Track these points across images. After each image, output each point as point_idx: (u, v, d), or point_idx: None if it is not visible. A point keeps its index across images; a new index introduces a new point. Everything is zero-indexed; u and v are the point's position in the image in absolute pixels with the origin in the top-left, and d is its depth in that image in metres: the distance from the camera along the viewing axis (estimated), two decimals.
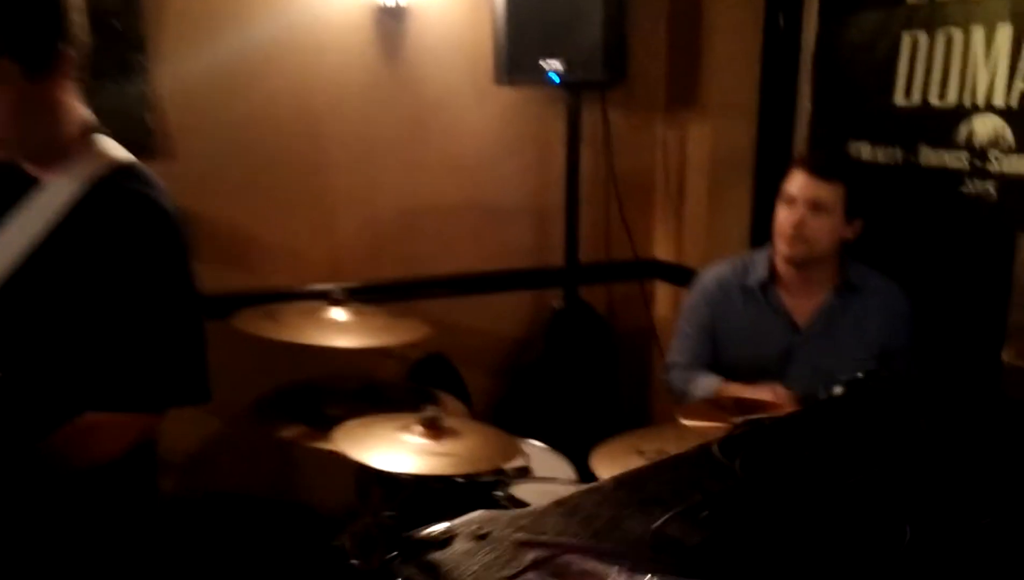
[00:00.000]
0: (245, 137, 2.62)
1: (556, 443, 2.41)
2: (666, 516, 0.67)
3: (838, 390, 0.87)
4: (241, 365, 2.55)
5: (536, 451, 2.37)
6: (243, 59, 2.57)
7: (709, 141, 3.00)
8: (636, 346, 3.29)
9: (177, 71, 2.50)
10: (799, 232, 2.06)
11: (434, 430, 1.65)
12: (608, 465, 1.49)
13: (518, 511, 0.85)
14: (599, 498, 0.74)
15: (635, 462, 1.47)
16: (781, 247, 2.13)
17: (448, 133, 2.89)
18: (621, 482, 0.75)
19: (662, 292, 3.31)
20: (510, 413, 3.06)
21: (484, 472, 1.60)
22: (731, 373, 2.25)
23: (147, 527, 1.74)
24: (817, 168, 2.06)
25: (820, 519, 0.66)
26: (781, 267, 2.17)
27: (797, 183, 2.08)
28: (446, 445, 1.62)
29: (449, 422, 1.72)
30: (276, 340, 2.25)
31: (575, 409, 3.01)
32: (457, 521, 0.79)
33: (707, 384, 2.15)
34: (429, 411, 1.67)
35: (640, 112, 3.15)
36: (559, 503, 0.79)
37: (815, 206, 2.05)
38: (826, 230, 2.07)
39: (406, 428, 1.68)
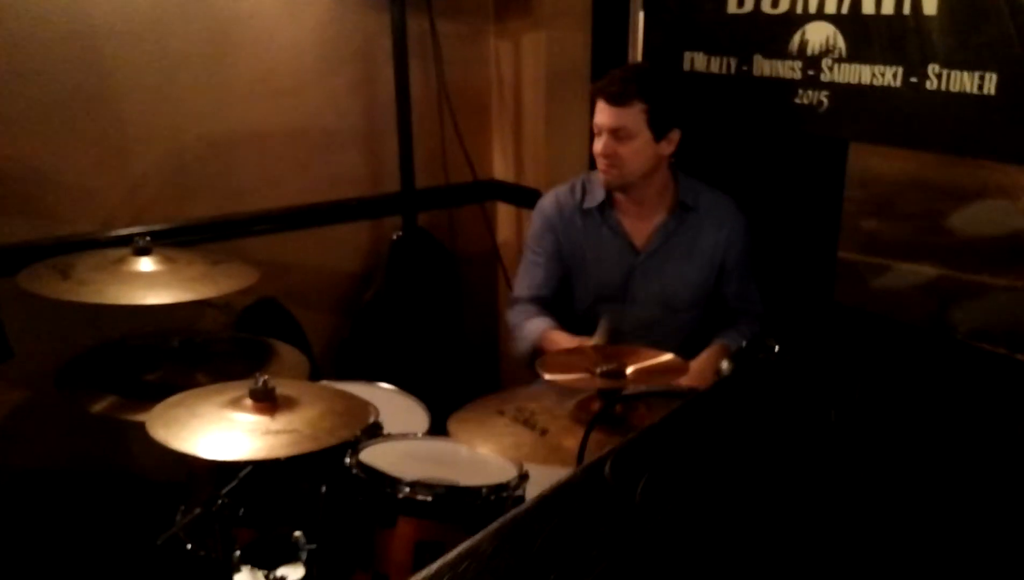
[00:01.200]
0: (10, 60, 2.19)
1: (405, 382, 2.27)
2: None
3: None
4: (37, 327, 2.23)
5: (387, 395, 2.23)
6: None
7: (543, 53, 2.85)
8: (480, 271, 3.18)
9: None
10: (610, 160, 2.05)
11: (267, 403, 1.46)
12: (469, 431, 1.37)
13: None
14: (474, 569, 0.59)
15: (497, 425, 1.37)
16: (600, 175, 2.12)
17: (259, 50, 2.56)
18: (500, 539, 0.60)
19: (504, 214, 3.19)
20: (354, 354, 2.88)
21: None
22: (576, 298, 2.20)
23: None
24: (612, 96, 2.03)
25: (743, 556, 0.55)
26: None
27: (598, 113, 2.06)
28: (282, 420, 1.43)
29: (285, 389, 1.53)
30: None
31: (421, 345, 2.88)
32: None
33: (536, 326, 2.11)
34: (259, 382, 1.47)
35: (470, 22, 2.94)
36: None
37: (617, 132, 2.03)
38: (634, 153, 2.05)
39: (235, 403, 1.47)
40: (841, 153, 2.39)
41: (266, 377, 1.49)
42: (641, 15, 2.65)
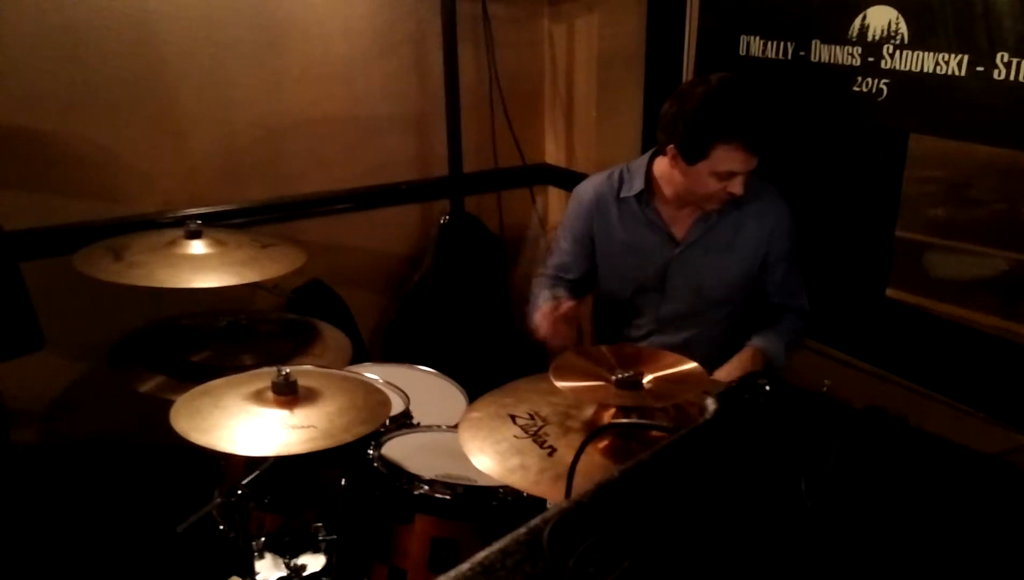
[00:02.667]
0: (71, 48, 2.27)
1: (451, 366, 2.29)
2: None
3: (711, 405, 0.74)
4: (95, 304, 2.32)
5: (426, 378, 2.25)
6: None
7: (596, 36, 2.79)
8: (528, 255, 3.16)
9: None
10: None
11: (288, 396, 1.48)
12: (478, 439, 1.36)
13: None
14: None
15: (507, 437, 1.36)
16: (711, 205, 1.99)
17: (311, 36, 2.58)
18: None
19: (555, 198, 3.16)
20: (401, 336, 2.92)
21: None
22: (613, 288, 2.16)
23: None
24: (757, 146, 1.85)
25: None
26: (663, 186, 2.04)
27: (739, 161, 1.86)
28: (301, 415, 1.46)
29: (308, 381, 1.56)
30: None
31: (467, 328, 2.89)
32: None
33: (540, 303, 2.06)
34: (281, 375, 1.50)
35: (524, 5, 2.90)
36: None
37: (751, 170, 1.91)
38: None
39: (257, 395, 1.50)
40: (901, 144, 2.28)
41: (288, 370, 1.51)
42: None
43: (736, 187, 1.89)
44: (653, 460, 0.66)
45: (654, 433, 1.32)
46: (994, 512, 0.65)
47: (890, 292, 2.41)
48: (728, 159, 1.85)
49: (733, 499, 0.63)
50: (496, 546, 0.57)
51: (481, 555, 0.56)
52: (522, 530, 0.58)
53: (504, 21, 2.85)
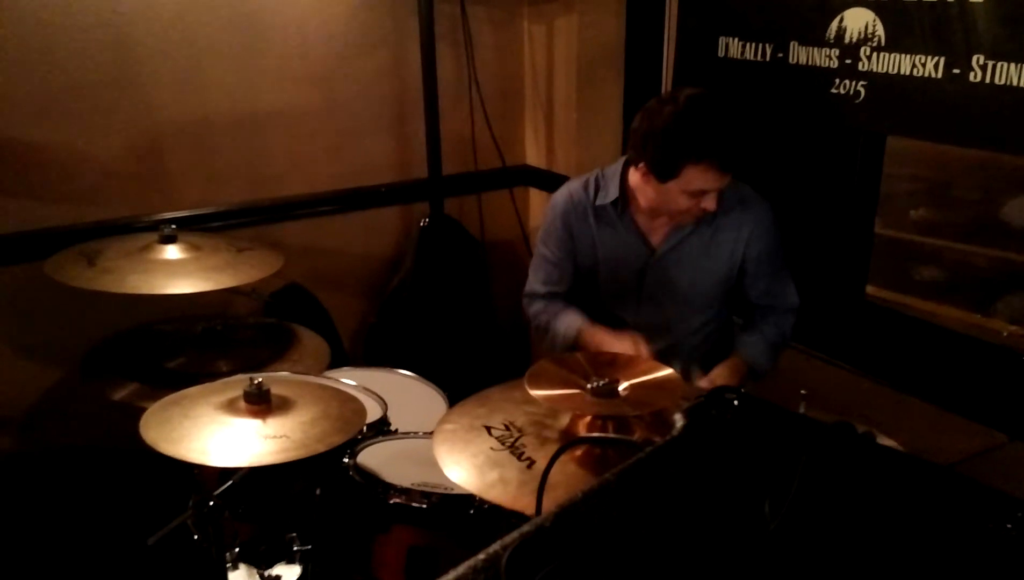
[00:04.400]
0: (41, 49, 2.23)
1: (432, 369, 2.27)
2: None
3: (678, 421, 0.73)
4: (68, 310, 2.29)
5: (406, 382, 2.24)
6: None
7: (576, 37, 2.78)
8: (509, 257, 3.15)
9: None
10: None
11: (261, 405, 1.46)
12: (454, 452, 1.35)
13: None
14: None
15: (483, 449, 1.34)
16: (684, 220, 1.98)
17: (288, 36, 2.55)
18: None
19: (536, 199, 3.15)
20: (382, 340, 2.90)
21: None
22: (589, 295, 2.15)
23: None
24: (728, 165, 1.84)
25: None
26: (638, 196, 2.02)
27: (710, 180, 1.83)
28: (274, 424, 1.43)
29: (282, 390, 1.53)
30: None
31: (448, 331, 2.88)
32: None
33: (570, 323, 2.03)
34: (254, 384, 1.48)
35: (503, 5, 2.88)
36: None
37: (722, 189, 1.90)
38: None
39: (229, 405, 1.48)
40: (879, 145, 2.29)
41: (260, 379, 1.49)
42: None
43: (709, 203, 1.88)
44: (617, 481, 0.65)
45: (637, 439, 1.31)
46: (953, 526, 0.64)
47: (871, 289, 2.42)
48: (699, 178, 1.83)
49: (697, 521, 0.62)
50: (453, 573, 0.55)
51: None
52: (480, 556, 0.57)
53: (483, 22, 2.83)
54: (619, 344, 1.84)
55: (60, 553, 2.20)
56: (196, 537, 1.63)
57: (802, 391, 1.50)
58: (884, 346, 2.33)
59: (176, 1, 2.36)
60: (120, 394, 2.04)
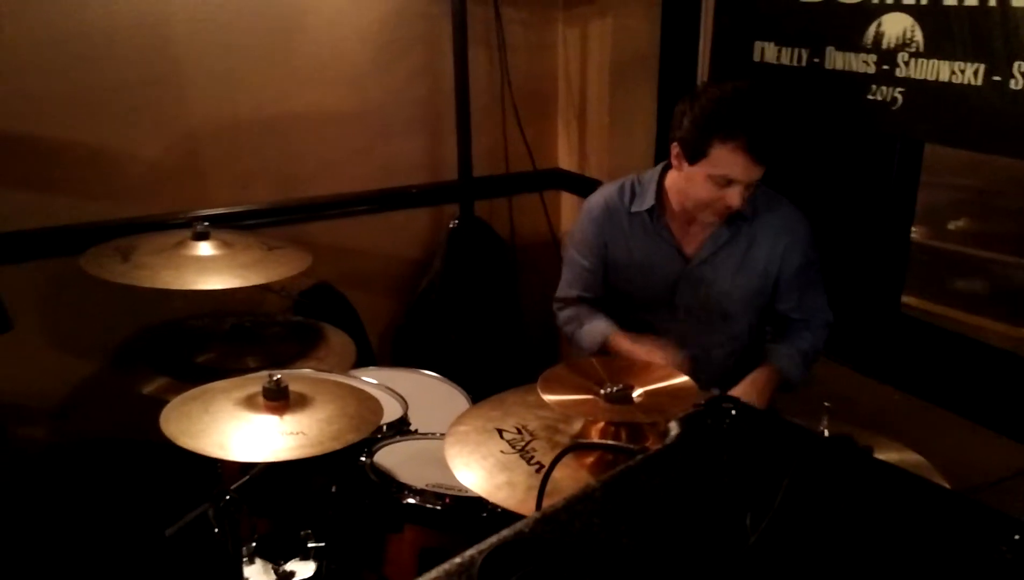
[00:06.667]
0: (80, 48, 2.28)
1: (460, 371, 2.27)
2: None
3: (673, 429, 0.72)
4: (98, 307, 2.34)
5: (430, 383, 2.24)
6: None
7: (609, 41, 2.76)
8: (539, 261, 3.14)
9: None
10: (737, 207, 1.87)
11: (279, 402, 1.47)
12: (464, 454, 1.34)
13: None
14: None
15: (493, 451, 1.34)
16: (707, 217, 1.93)
17: (322, 38, 2.58)
18: None
19: (567, 203, 3.14)
20: (410, 341, 2.91)
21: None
22: (620, 303, 2.12)
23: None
24: (758, 151, 1.78)
25: None
26: (675, 202, 2.00)
27: (739, 168, 1.78)
28: (291, 421, 1.45)
29: (300, 387, 1.55)
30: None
31: (476, 333, 2.88)
32: None
33: (598, 330, 2.01)
34: (272, 380, 1.49)
35: (537, 9, 2.88)
36: None
37: (752, 185, 1.85)
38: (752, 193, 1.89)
39: (248, 401, 1.50)
40: (916, 153, 2.23)
41: (279, 375, 1.50)
42: (712, 2, 2.53)
43: (733, 198, 1.82)
44: (602, 488, 0.64)
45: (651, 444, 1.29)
46: (947, 547, 0.62)
47: (908, 300, 2.36)
48: (726, 161, 1.78)
49: (680, 531, 0.61)
50: (428, 575, 0.55)
51: None
52: (456, 560, 0.56)
53: (517, 24, 2.83)
54: (647, 352, 1.82)
55: (84, 541, 2.25)
56: (216, 530, 1.65)
57: (825, 403, 1.47)
58: (919, 359, 2.27)
59: (213, 2, 2.40)
60: (150, 387, 2.08)
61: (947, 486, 1.34)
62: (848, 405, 1.73)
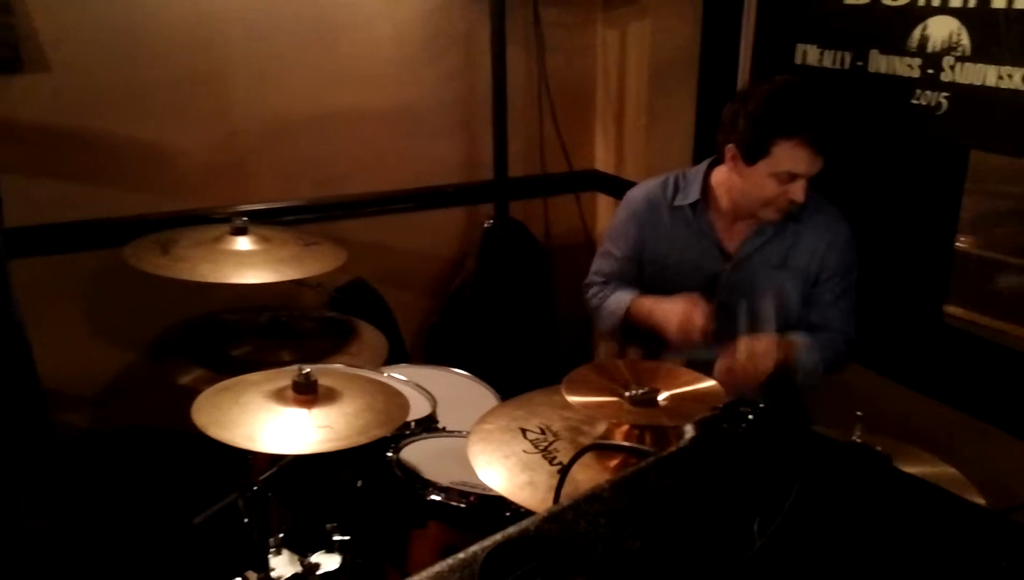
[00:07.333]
0: (130, 44, 2.34)
1: (493, 370, 2.28)
2: None
3: (689, 431, 0.71)
4: (138, 297, 2.39)
5: (460, 381, 2.25)
6: None
7: (648, 42, 2.75)
8: (574, 262, 3.12)
9: None
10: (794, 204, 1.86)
11: (308, 395, 1.49)
12: (487, 452, 1.35)
13: None
14: None
15: (516, 451, 1.34)
16: (769, 214, 1.91)
17: (363, 37, 2.61)
18: None
19: (603, 205, 3.12)
20: (443, 339, 2.92)
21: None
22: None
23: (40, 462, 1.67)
24: (820, 145, 1.78)
25: None
26: (720, 196, 1.98)
27: (802, 160, 1.78)
28: (319, 415, 1.46)
29: (329, 381, 1.56)
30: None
31: (510, 333, 2.88)
32: None
33: (620, 299, 2.00)
34: (302, 374, 1.51)
35: (577, 10, 2.87)
36: None
37: (811, 177, 1.84)
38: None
39: (278, 394, 1.52)
40: (961, 159, 2.18)
41: (309, 369, 1.52)
42: (754, 3, 2.50)
43: (797, 193, 1.81)
44: (610, 489, 0.64)
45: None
46: (957, 559, 0.60)
47: (952, 310, 2.31)
48: (790, 157, 1.78)
49: (686, 534, 0.60)
50: (432, 569, 0.55)
51: (415, 578, 0.55)
52: (460, 556, 0.56)
53: (556, 26, 2.83)
54: (672, 307, 1.80)
55: (117, 524, 2.30)
56: (245, 520, 1.68)
57: (858, 413, 1.44)
58: (961, 370, 2.21)
59: (258, 3, 2.44)
60: (186, 378, 2.12)
61: (982, 502, 1.30)
62: (884, 416, 1.69)
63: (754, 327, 1.81)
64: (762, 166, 1.82)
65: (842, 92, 2.23)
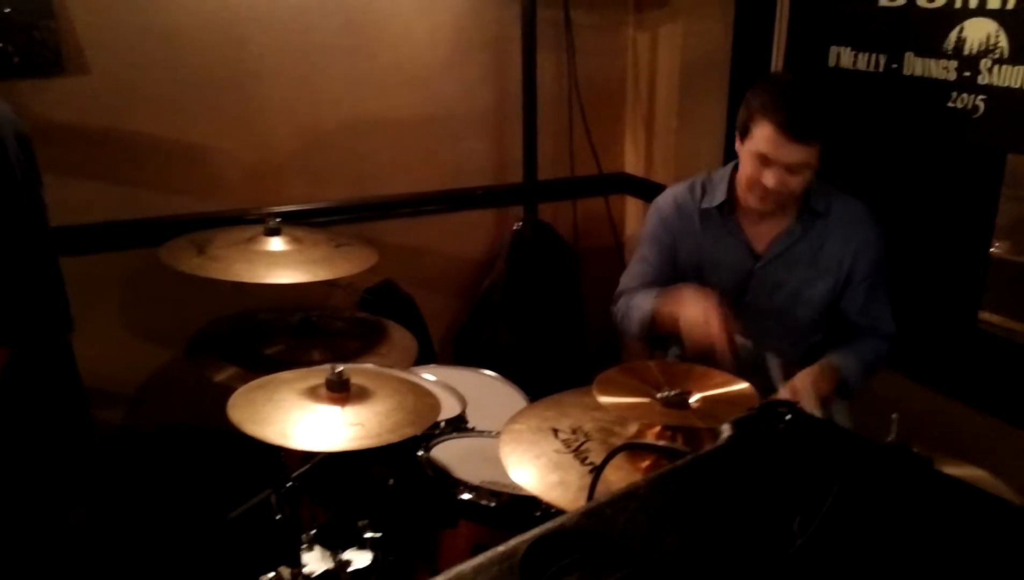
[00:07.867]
0: (166, 47, 2.38)
1: (520, 372, 2.29)
2: None
3: (725, 430, 0.71)
4: (174, 296, 2.42)
5: (488, 382, 2.26)
6: None
7: (679, 45, 2.74)
8: (603, 265, 3.13)
9: None
10: (777, 193, 1.86)
11: (341, 393, 1.51)
12: (518, 452, 1.35)
13: None
14: None
15: (547, 450, 1.34)
16: (750, 200, 1.93)
17: (395, 40, 2.63)
18: None
19: (632, 208, 3.12)
20: (472, 340, 2.94)
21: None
22: None
23: (80, 457, 1.71)
24: (798, 132, 1.79)
25: None
26: (743, 197, 1.98)
27: (771, 144, 1.81)
28: (351, 413, 1.48)
29: (362, 380, 1.58)
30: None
31: (537, 336, 2.89)
32: None
33: (642, 302, 2.01)
34: (335, 372, 1.53)
35: (608, 13, 2.88)
36: None
37: (792, 168, 1.84)
38: (801, 184, 1.88)
39: (311, 391, 1.54)
40: (998, 163, 2.15)
41: (342, 368, 1.54)
42: (787, 6, 2.49)
43: (768, 178, 1.84)
44: (647, 486, 0.64)
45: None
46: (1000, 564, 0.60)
47: (987, 317, 2.28)
48: (763, 138, 1.82)
49: (725, 532, 0.61)
50: (472, 562, 0.56)
51: (456, 569, 0.56)
52: (500, 549, 0.57)
53: (587, 28, 2.83)
54: (689, 307, 1.83)
55: (153, 519, 2.34)
56: (278, 516, 1.70)
57: (893, 415, 1.43)
58: (996, 377, 2.18)
59: (293, 4, 2.47)
60: (220, 376, 2.14)
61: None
62: (919, 422, 1.67)
63: (789, 373, 1.85)
64: (748, 144, 1.89)
65: (875, 95, 2.21)
